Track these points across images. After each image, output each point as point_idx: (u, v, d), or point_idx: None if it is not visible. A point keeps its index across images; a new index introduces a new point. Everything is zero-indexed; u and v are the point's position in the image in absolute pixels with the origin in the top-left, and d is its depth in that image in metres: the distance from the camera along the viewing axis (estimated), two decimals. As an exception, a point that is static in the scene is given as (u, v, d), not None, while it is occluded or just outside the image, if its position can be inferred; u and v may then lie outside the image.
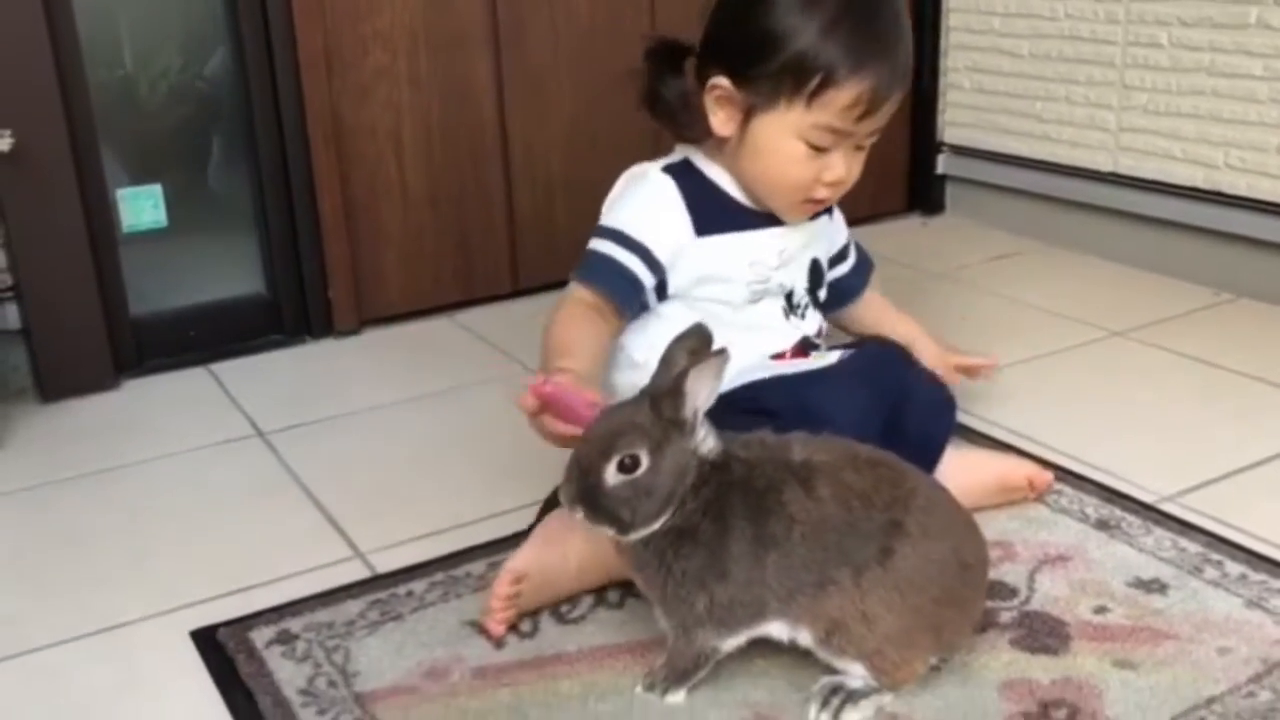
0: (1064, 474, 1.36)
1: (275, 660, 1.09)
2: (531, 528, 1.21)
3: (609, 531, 0.97)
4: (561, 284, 2.03)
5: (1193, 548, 1.20)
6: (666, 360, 0.98)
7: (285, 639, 1.12)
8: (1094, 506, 1.29)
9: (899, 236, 2.20)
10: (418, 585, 1.20)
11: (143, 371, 1.81)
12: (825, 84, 1.16)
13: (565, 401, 1.05)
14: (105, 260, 1.74)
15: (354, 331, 1.94)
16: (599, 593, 1.17)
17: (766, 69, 1.17)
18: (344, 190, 1.88)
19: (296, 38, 1.78)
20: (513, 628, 1.12)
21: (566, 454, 0.98)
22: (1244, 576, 1.15)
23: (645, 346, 1.23)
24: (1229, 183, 1.88)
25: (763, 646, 1.06)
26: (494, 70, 1.96)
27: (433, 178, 1.95)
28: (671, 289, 1.26)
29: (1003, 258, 2.17)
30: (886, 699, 0.99)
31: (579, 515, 0.96)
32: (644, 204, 1.26)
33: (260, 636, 1.13)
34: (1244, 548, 1.20)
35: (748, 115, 1.21)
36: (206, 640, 1.13)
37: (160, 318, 1.84)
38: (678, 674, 1.01)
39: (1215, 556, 1.19)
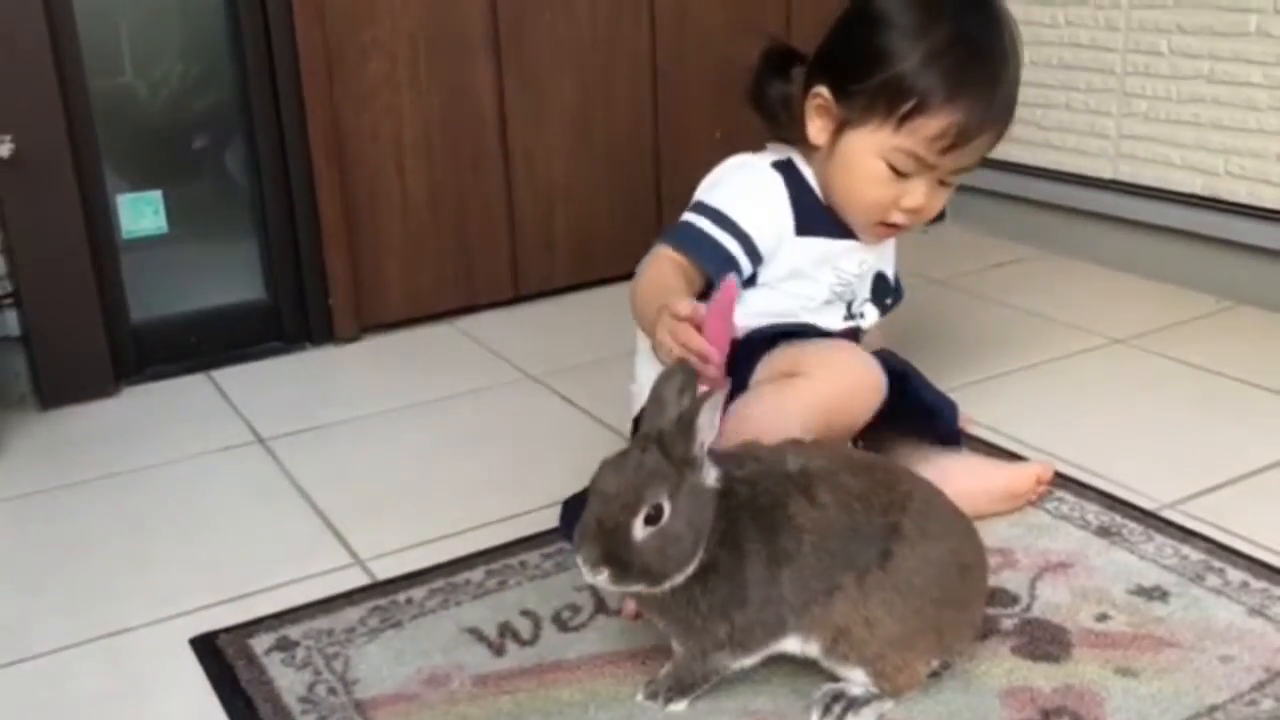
0: (1065, 481, 1.36)
1: (275, 667, 1.09)
2: (566, 529, 1.20)
3: (639, 588, 0.93)
4: (560, 290, 2.07)
5: (1194, 555, 1.20)
6: (657, 400, 0.96)
7: (285, 646, 1.12)
8: (1095, 513, 1.29)
9: (899, 244, 2.20)
10: (417, 592, 1.20)
11: (143, 378, 1.81)
12: (917, 110, 1.20)
13: (724, 315, 1.05)
14: (105, 266, 1.74)
15: (354, 338, 1.94)
16: (600, 599, 1.17)
17: (866, 85, 1.22)
18: (344, 196, 1.88)
19: (297, 43, 1.78)
20: (513, 635, 1.12)
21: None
22: (1246, 584, 1.15)
23: None
24: (1229, 190, 1.88)
25: (764, 654, 1.06)
26: (494, 76, 1.96)
27: (433, 184, 1.96)
28: (761, 280, 1.29)
29: (1003, 265, 2.17)
30: (888, 706, 0.99)
31: (603, 579, 0.91)
32: (752, 195, 1.29)
33: (260, 643, 1.13)
34: (1246, 555, 1.20)
35: (840, 128, 1.25)
36: (206, 647, 1.13)
37: (161, 324, 1.83)
38: (682, 686, 1.00)
39: (1217, 564, 1.19)
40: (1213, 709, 0.98)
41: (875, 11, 1.23)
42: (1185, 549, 1.21)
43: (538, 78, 1.99)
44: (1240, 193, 1.87)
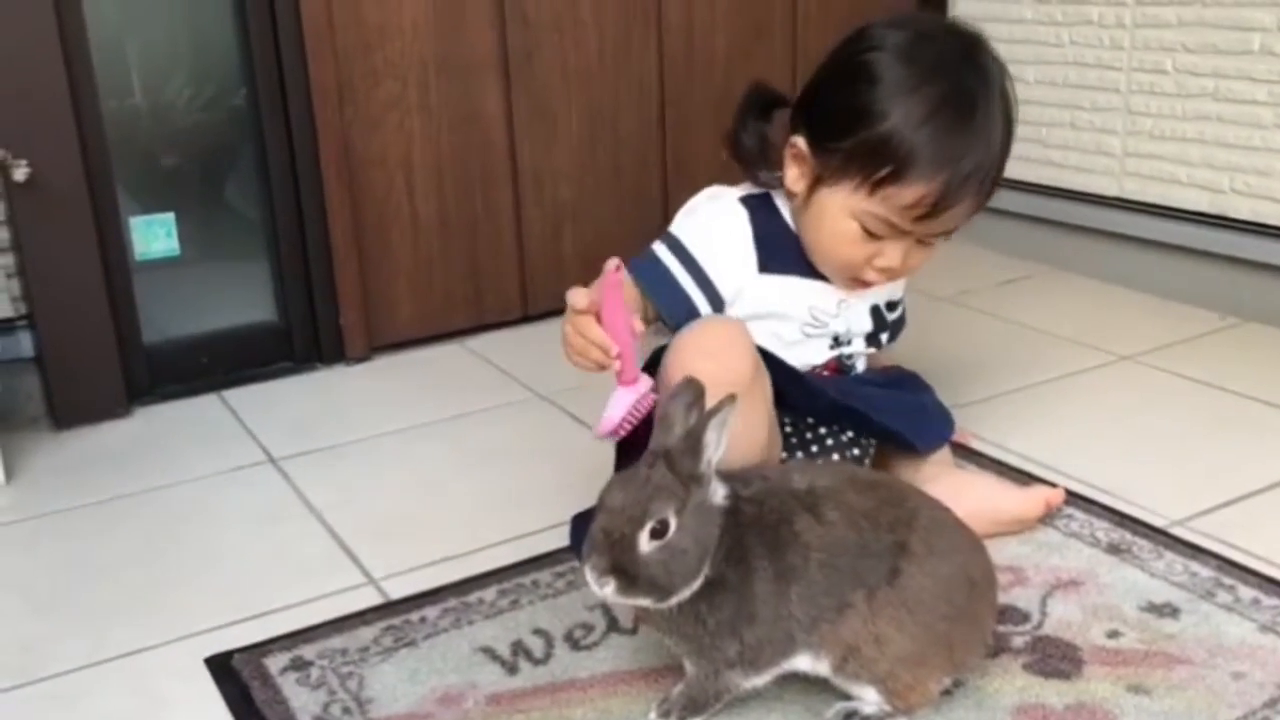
0: (1074, 498, 1.36)
1: (290, 687, 1.09)
2: (577, 546, 1.20)
3: (645, 602, 0.94)
4: (570, 310, 2.07)
5: (1204, 572, 1.21)
6: (665, 418, 0.97)
7: (299, 665, 1.13)
8: (1105, 531, 1.29)
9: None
10: (430, 611, 1.21)
11: (155, 399, 1.82)
12: (891, 178, 1.16)
13: (617, 305, 1.07)
14: (118, 288, 1.76)
15: (365, 358, 1.95)
16: (612, 618, 1.17)
17: (842, 145, 1.18)
18: (355, 218, 1.89)
19: (308, 67, 1.80)
20: (526, 654, 1.12)
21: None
22: (1257, 601, 1.15)
23: None
24: (1234, 207, 1.89)
25: (776, 672, 1.07)
26: (504, 98, 1.97)
27: (443, 205, 1.97)
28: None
29: (1009, 282, 2.17)
30: (900, 724, 0.99)
31: (609, 590, 0.91)
32: (716, 233, 1.26)
33: (274, 663, 1.13)
34: (1256, 572, 1.20)
35: (815, 182, 1.22)
36: (221, 667, 1.14)
37: (173, 345, 1.85)
38: (695, 705, 1.01)
39: (1227, 581, 1.19)
40: (1225, 726, 0.98)
41: (860, 64, 1.18)
42: (1195, 566, 1.22)
43: (546, 101, 2.01)
44: (1245, 210, 1.88)
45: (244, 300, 1.91)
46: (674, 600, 0.94)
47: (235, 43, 1.81)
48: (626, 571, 0.91)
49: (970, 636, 1.00)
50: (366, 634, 1.17)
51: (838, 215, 1.21)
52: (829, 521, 0.96)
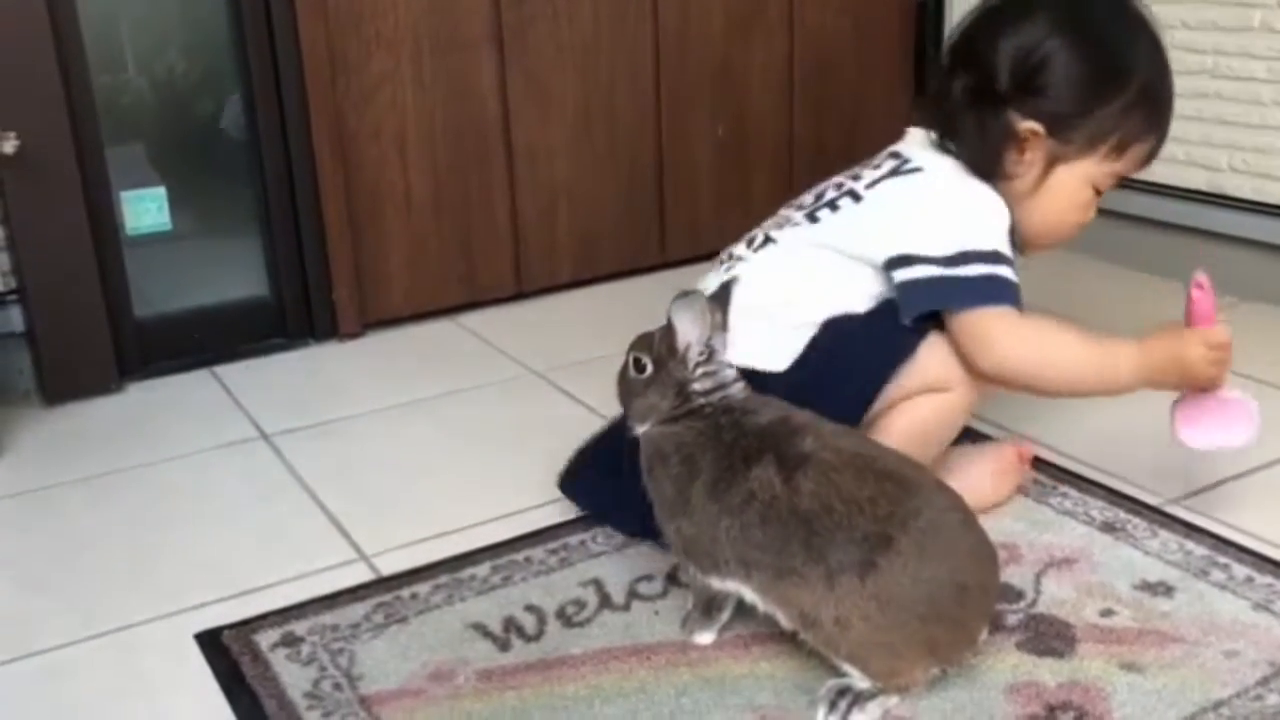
0: (1069, 476, 1.36)
1: (280, 663, 1.09)
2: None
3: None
4: (563, 287, 2.07)
5: (1199, 550, 1.20)
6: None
7: (290, 641, 1.12)
8: (1099, 509, 1.29)
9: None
10: (422, 588, 1.20)
11: (146, 374, 1.81)
12: (1137, 138, 1.23)
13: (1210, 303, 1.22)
14: (109, 263, 1.74)
15: (358, 334, 1.94)
16: (604, 595, 1.17)
17: (1086, 122, 1.21)
18: (348, 193, 1.88)
19: (300, 39, 1.78)
20: (518, 630, 1.12)
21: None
22: (1250, 579, 1.15)
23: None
24: (1233, 186, 1.88)
25: (768, 649, 1.06)
26: (498, 73, 1.96)
27: (436, 180, 1.96)
28: None
29: (1006, 261, 2.16)
30: (893, 701, 0.99)
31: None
32: (1003, 227, 1.22)
33: (265, 639, 1.13)
34: (1250, 550, 1.20)
35: (1051, 162, 1.24)
36: (211, 643, 1.13)
37: (164, 320, 1.84)
38: (696, 610, 1.09)
39: (1221, 559, 1.19)
40: (1218, 704, 0.98)
41: (1083, 29, 1.21)
42: (1190, 544, 1.21)
43: (541, 74, 1.99)
44: (1244, 188, 1.87)
45: (236, 276, 1.90)
46: (630, 421, 1.09)
47: (226, 14, 1.79)
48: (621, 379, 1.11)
49: (955, 638, 0.99)
50: (358, 610, 1.17)
51: (1080, 184, 1.25)
52: (795, 488, 0.97)
